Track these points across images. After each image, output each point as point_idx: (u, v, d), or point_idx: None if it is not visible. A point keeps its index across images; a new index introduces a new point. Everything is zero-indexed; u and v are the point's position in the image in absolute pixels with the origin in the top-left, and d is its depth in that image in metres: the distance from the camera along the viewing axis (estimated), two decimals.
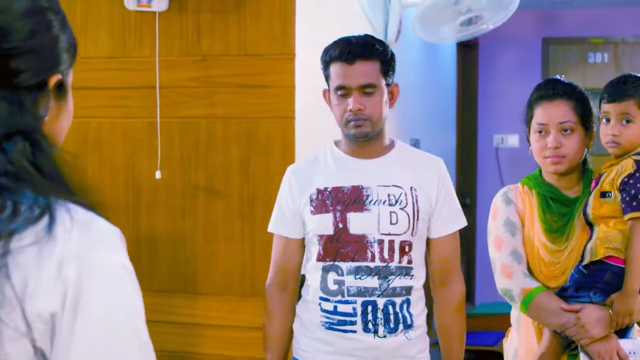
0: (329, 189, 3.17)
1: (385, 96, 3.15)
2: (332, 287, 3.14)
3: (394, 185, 3.16)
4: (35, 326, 1.25)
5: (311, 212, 3.18)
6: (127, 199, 4.35)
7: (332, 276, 3.14)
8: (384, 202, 3.13)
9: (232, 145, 4.20)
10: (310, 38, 4.24)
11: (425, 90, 7.14)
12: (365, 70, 3.11)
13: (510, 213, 3.28)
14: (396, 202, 3.13)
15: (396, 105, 3.27)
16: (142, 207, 4.34)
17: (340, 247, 3.13)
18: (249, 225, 4.18)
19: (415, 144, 6.47)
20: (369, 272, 3.10)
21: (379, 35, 5.19)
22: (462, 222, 3.28)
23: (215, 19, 4.20)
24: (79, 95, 4.30)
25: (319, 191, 3.18)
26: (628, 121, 3.09)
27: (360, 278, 3.10)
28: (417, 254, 3.18)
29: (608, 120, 3.14)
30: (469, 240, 8.52)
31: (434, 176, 3.21)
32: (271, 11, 4.12)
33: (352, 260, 3.11)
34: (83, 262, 1.30)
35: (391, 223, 3.11)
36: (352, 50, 3.11)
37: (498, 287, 3.26)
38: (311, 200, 3.18)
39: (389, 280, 3.11)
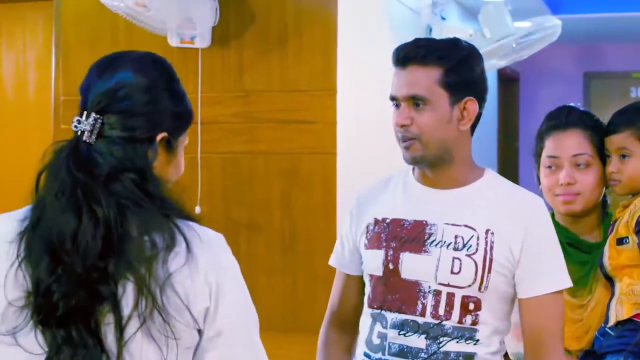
0: (387, 220, 2.57)
1: (448, 113, 2.47)
2: (376, 341, 2.54)
3: (465, 226, 2.49)
4: (199, 319, 1.82)
5: (365, 245, 2.61)
6: None
7: (377, 327, 2.54)
8: (449, 245, 2.48)
9: (274, 181, 4.21)
10: (352, 74, 4.25)
11: None
12: (415, 78, 2.47)
13: None
14: (463, 246, 2.47)
15: None
16: None
17: (388, 292, 2.53)
18: (290, 260, 4.17)
19: None
20: (416, 328, 2.47)
21: None
22: (562, 282, 2.51)
23: (258, 55, 4.22)
24: None
25: (376, 221, 2.59)
26: (624, 156, 2.72)
27: (404, 335, 2.48)
28: (490, 316, 2.48)
29: (608, 156, 2.78)
30: None
31: (522, 219, 2.48)
32: (313, 47, 4.14)
33: (399, 311, 2.49)
34: (217, 267, 1.86)
35: (452, 272, 2.46)
36: (408, 51, 2.50)
37: (509, 351, 2.74)
38: (367, 232, 2.61)
39: (441, 343, 2.45)
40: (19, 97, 5.09)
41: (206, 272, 1.84)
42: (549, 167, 2.81)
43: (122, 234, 1.77)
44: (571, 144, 2.77)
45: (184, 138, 2.02)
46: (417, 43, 2.50)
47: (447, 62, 2.46)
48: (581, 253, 2.80)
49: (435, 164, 2.52)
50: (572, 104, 2.91)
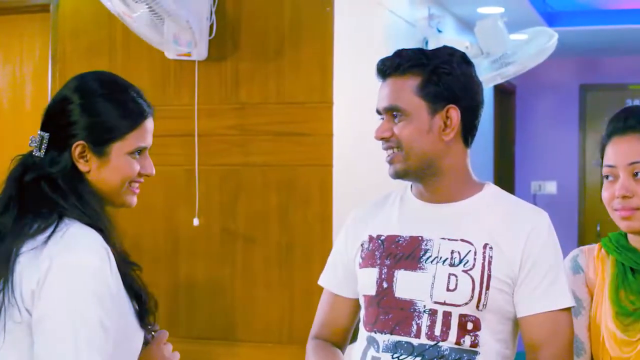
0: (382, 237, 2.44)
1: (427, 123, 2.36)
2: None
3: (462, 240, 2.35)
4: (26, 299, 2.00)
5: (359, 264, 2.48)
6: (165, 246, 4.37)
7: (371, 352, 2.39)
8: (444, 261, 2.34)
9: (271, 193, 4.21)
10: (349, 86, 4.26)
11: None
12: (394, 89, 2.39)
13: (577, 285, 2.47)
14: (460, 262, 2.33)
15: None
16: (181, 254, 4.35)
17: (381, 313, 2.37)
18: (287, 273, 4.17)
19: None
20: (410, 350, 2.31)
21: None
22: (564, 301, 2.34)
23: (254, 67, 4.23)
24: None
25: (371, 239, 2.47)
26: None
27: (398, 358, 2.32)
28: (492, 337, 2.33)
29: None
30: None
31: (523, 233, 2.34)
32: (310, 60, 4.14)
33: (392, 333, 2.34)
34: (58, 259, 2.01)
35: (448, 289, 2.31)
36: (387, 63, 2.43)
37: None
38: (362, 250, 2.49)
39: None
40: (15, 108, 5.08)
41: (43, 260, 2.01)
42: (607, 177, 2.42)
43: (9, 224, 2.09)
44: (628, 150, 2.37)
45: (126, 145, 2.20)
46: (398, 53, 2.42)
47: (425, 70, 2.36)
48: None
49: (422, 177, 2.41)
50: (636, 105, 2.54)
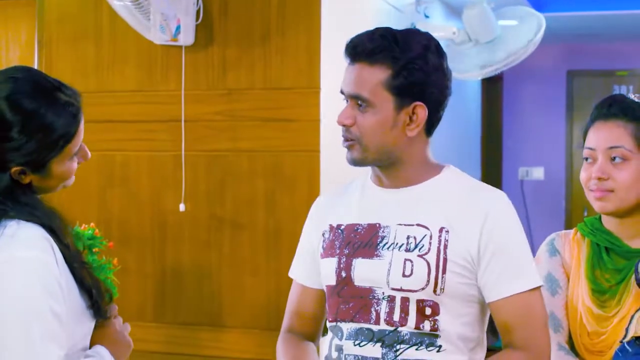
0: (342, 227, 2.40)
1: (391, 118, 2.29)
2: (333, 355, 2.36)
3: (418, 225, 2.30)
4: None
5: (321, 254, 2.45)
6: (152, 232, 4.37)
7: (335, 341, 2.37)
8: (400, 247, 2.29)
9: (258, 179, 4.21)
10: (336, 72, 4.24)
11: (449, 124, 7.13)
12: (361, 77, 2.30)
13: (554, 267, 2.58)
14: (415, 246, 2.28)
15: None
16: (168, 240, 4.35)
17: (342, 302, 2.35)
18: (274, 259, 4.17)
19: None
20: (370, 337, 2.29)
21: None
22: (530, 282, 2.29)
23: (241, 53, 4.22)
24: (105, 128, 4.36)
25: (331, 228, 2.44)
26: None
27: (359, 345, 2.30)
28: (453, 321, 2.29)
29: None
30: None
31: (480, 215, 2.28)
32: (297, 45, 4.14)
33: (352, 321, 2.32)
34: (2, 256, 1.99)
35: (404, 275, 2.27)
36: (357, 45, 2.32)
37: None
38: (323, 240, 2.45)
39: (397, 351, 2.26)
40: None
41: None
42: (586, 159, 2.54)
43: None
44: (609, 135, 2.48)
45: (65, 155, 2.13)
46: (370, 36, 2.31)
47: (396, 63, 2.26)
48: (619, 259, 2.51)
49: (380, 166, 2.36)
50: (621, 94, 2.62)
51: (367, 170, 2.45)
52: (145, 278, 4.38)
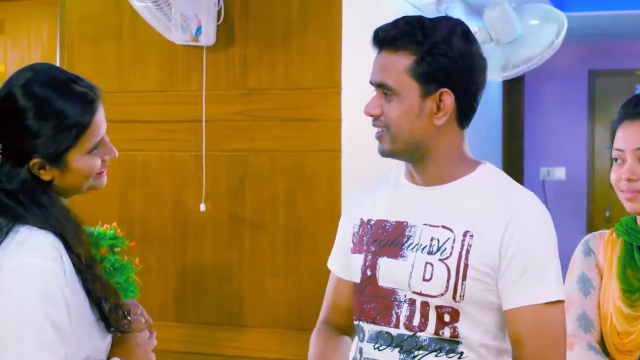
0: (372, 222, 2.33)
1: (417, 105, 2.20)
2: (357, 355, 2.34)
3: (443, 227, 2.20)
4: None
5: (351, 249, 2.38)
6: (173, 232, 4.38)
7: (358, 342, 2.33)
8: (424, 249, 2.20)
9: (278, 179, 4.21)
10: (357, 71, 4.25)
11: (470, 124, 7.12)
12: (386, 65, 2.22)
13: (588, 267, 2.57)
14: (437, 250, 2.19)
15: None
16: (189, 240, 4.36)
17: (365, 302, 2.29)
18: (295, 258, 4.17)
19: None
20: (389, 341, 2.23)
21: None
22: (548, 294, 2.14)
23: (262, 53, 4.22)
24: (126, 128, 4.37)
25: (362, 223, 2.36)
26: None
27: (378, 348, 2.25)
28: (473, 329, 2.19)
29: None
30: None
31: (504, 218, 2.16)
32: (317, 45, 4.14)
33: (373, 322, 2.27)
34: (6, 262, 1.98)
35: (424, 279, 2.18)
36: (382, 33, 2.24)
37: None
38: (353, 234, 2.38)
39: (416, 357, 2.19)
40: None
41: None
42: (615, 160, 2.52)
43: None
44: (636, 135, 2.47)
45: (82, 147, 2.12)
46: (395, 23, 2.22)
47: (420, 49, 2.17)
48: None
49: (411, 159, 2.27)
50: None
51: (397, 165, 2.37)
52: (167, 278, 4.39)
